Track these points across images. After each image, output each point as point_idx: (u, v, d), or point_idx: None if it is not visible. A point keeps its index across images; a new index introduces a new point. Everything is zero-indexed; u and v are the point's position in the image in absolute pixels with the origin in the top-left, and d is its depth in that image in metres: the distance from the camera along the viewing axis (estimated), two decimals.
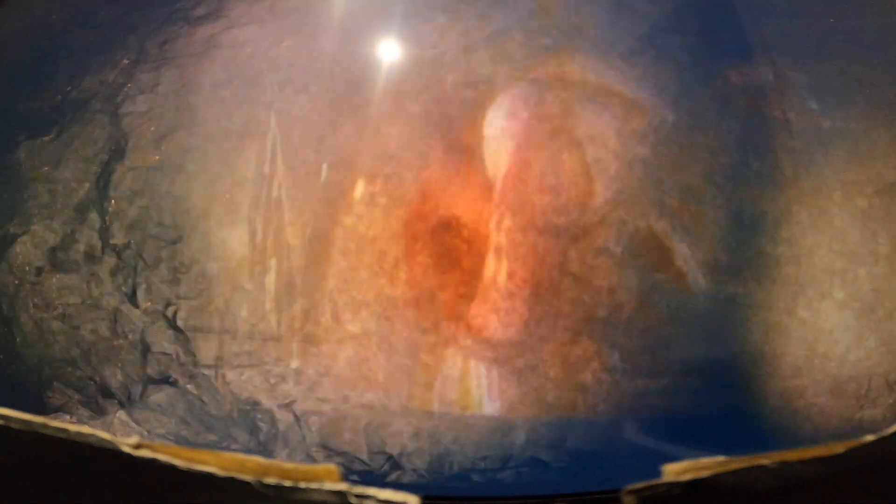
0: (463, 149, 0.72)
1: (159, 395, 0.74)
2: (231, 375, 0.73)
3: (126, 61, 0.78)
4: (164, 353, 0.74)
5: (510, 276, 0.70)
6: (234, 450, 0.71)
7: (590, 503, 0.66)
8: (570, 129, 0.72)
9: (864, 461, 0.50)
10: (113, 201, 0.76)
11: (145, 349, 0.74)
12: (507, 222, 0.71)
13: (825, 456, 0.48)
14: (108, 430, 0.64)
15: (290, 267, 0.72)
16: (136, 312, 0.74)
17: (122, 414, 0.73)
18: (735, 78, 0.75)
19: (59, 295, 0.75)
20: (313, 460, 0.71)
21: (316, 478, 0.45)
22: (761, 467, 0.47)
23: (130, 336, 0.74)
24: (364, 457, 0.71)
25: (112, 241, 0.75)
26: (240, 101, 0.75)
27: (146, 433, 0.72)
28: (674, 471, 0.47)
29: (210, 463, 0.45)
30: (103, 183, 0.76)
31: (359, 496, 0.44)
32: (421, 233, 0.71)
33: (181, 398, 0.73)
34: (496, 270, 0.71)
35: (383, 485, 0.45)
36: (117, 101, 0.77)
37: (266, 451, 0.71)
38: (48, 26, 0.85)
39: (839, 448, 0.48)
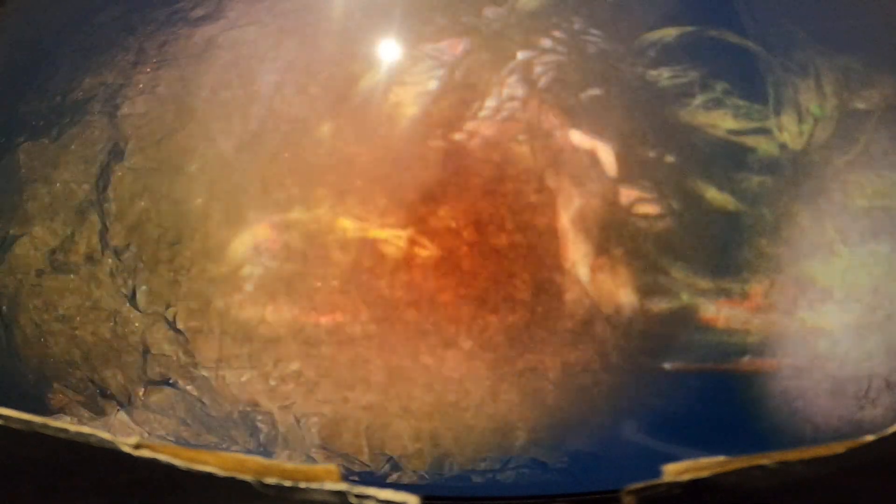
0: (463, 150, 0.72)
1: (159, 397, 0.74)
2: (231, 377, 0.73)
3: (125, 62, 0.78)
4: (164, 355, 0.74)
5: (510, 277, 0.70)
6: (234, 451, 0.71)
7: (590, 503, 0.66)
8: (570, 129, 0.72)
9: (864, 461, 0.50)
10: (112, 203, 0.76)
11: (145, 351, 0.74)
12: (507, 223, 0.71)
13: (825, 456, 0.48)
14: (109, 431, 0.64)
15: (291, 269, 0.72)
16: (136, 314, 0.74)
17: (122, 415, 0.74)
18: (734, 78, 0.75)
19: (59, 297, 0.75)
20: (313, 462, 0.71)
21: (316, 478, 0.45)
22: (761, 467, 0.47)
23: (130, 337, 0.74)
24: (364, 458, 0.71)
25: (112, 243, 0.75)
26: (239, 102, 0.75)
27: (146, 434, 0.72)
28: (674, 471, 0.47)
29: (210, 463, 0.45)
30: (103, 184, 0.76)
31: (359, 496, 0.44)
32: (420, 234, 0.71)
33: (181, 399, 0.73)
34: (496, 272, 0.71)
35: (383, 485, 0.45)
36: (116, 103, 0.77)
37: (266, 453, 0.71)
38: (48, 26, 0.85)
39: (839, 448, 0.48)
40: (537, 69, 0.73)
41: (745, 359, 0.71)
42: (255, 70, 0.76)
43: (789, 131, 0.73)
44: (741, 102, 0.73)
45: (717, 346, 0.72)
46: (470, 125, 0.72)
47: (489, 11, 0.74)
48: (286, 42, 0.76)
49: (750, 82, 0.74)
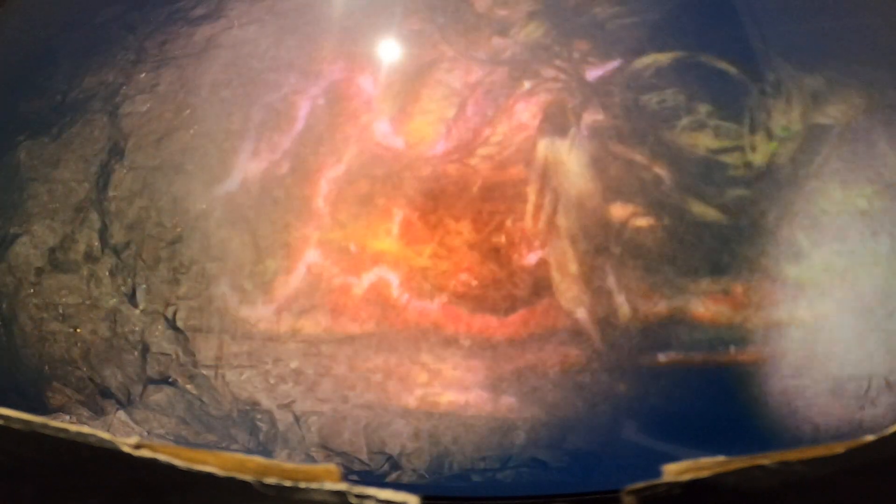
0: (463, 149, 0.72)
1: (159, 396, 0.74)
2: (230, 375, 0.73)
3: (125, 61, 0.78)
4: (164, 354, 0.74)
5: (510, 276, 0.70)
6: (234, 450, 0.71)
7: (590, 503, 0.66)
8: (570, 128, 0.72)
9: (864, 461, 0.50)
10: (112, 201, 0.76)
11: (145, 349, 0.74)
12: (507, 223, 0.71)
13: (825, 456, 0.48)
14: (108, 431, 0.64)
15: (290, 267, 0.72)
16: (136, 312, 0.74)
17: (121, 414, 0.74)
18: (734, 78, 0.75)
19: (59, 295, 0.75)
20: (313, 460, 0.71)
21: (316, 478, 0.45)
22: (761, 467, 0.47)
23: (130, 336, 0.74)
24: (364, 457, 0.71)
25: (111, 242, 0.75)
26: (239, 101, 0.75)
27: (146, 433, 0.72)
28: (674, 471, 0.47)
29: (210, 463, 0.45)
30: (103, 183, 0.76)
31: (359, 496, 0.44)
32: (421, 233, 0.71)
33: (181, 398, 0.73)
34: (495, 271, 0.71)
35: (383, 485, 0.45)
36: (117, 101, 0.77)
37: (266, 451, 0.71)
38: (48, 26, 0.85)
39: (839, 448, 0.48)
40: (541, 96, 0.73)
41: (745, 353, 0.71)
42: (255, 69, 0.76)
43: (761, 149, 0.73)
44: (721, 123, 0.73)
45: (716, 344, 0.72)
46: (471, 125, 0.72)
47: (497, 42, 0.74)
48: (286, 41, 0.76)
49: (729, 104, 0.74)
